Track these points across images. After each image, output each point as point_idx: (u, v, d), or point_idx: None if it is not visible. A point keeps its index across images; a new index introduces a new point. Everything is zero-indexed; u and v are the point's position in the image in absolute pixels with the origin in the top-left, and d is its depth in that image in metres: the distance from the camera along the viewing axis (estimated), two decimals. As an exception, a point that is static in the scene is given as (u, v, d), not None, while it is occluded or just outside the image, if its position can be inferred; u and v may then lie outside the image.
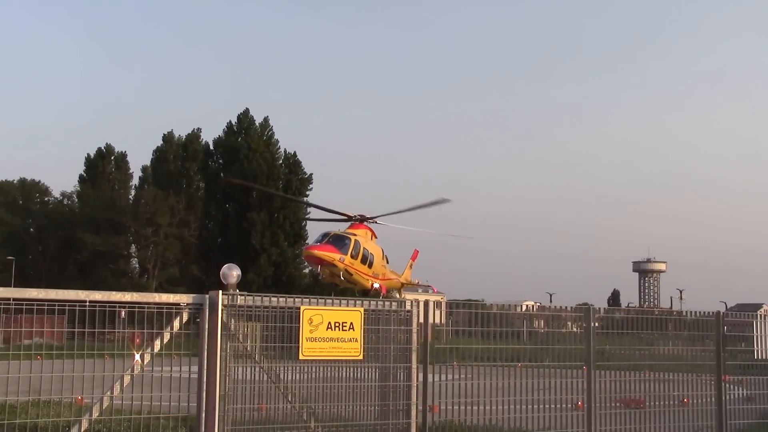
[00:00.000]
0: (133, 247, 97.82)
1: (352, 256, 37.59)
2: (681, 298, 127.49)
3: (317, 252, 36.35)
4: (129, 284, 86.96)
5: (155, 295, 9.74)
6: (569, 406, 12.32)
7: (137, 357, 9.69)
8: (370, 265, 37.62)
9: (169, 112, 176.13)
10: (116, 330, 11.11)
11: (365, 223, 39.18)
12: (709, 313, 14.02)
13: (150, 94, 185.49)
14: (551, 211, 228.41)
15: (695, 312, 14.19)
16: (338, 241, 36.37)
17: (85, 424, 9.36)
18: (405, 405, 10.67)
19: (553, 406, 12.15)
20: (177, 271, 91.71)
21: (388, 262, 42.60)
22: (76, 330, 9.63)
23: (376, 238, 40.35)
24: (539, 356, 12.63)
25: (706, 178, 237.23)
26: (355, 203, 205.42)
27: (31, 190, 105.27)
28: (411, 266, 48.27)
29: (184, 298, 9.77)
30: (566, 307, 14.01)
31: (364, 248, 37.17)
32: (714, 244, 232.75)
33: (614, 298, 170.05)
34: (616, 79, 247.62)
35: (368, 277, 37.53)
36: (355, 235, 37.42)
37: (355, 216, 39.18)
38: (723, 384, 13.63)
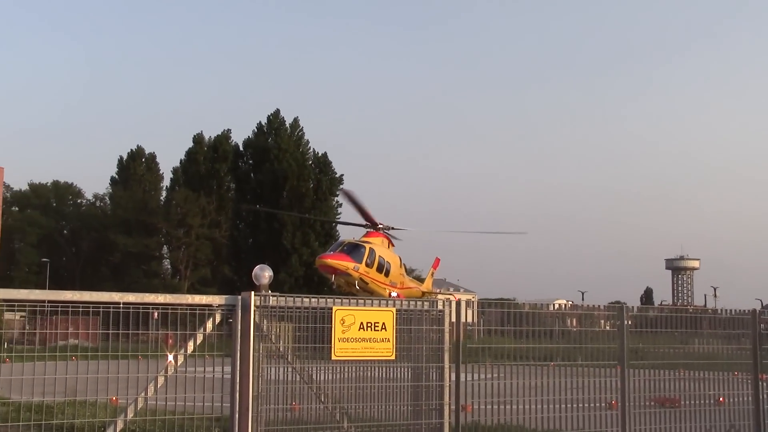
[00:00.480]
0: (165, 249, 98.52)
1: (366, 265, 36.59)
2: (715, 295, 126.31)
3: (330, 261, 35.44)
4: (161, 285, 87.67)
5: (188, 296, 9.78)
6: (603, 405, 12.23)
7: (170, 358, 9.74)
8: (387, 274, 36.78)
9: (197, 114, 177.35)
10: (150, 331, 11.19)
11: (383, 231, 38.51)
12: (744, 311, 13.87)
13: (178, 96, 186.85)
14: (582, 208, 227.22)
15: (731, 310, 14.04)
16: (352, 250, 35.50)
17: (120, 425, 9.42)
18: (438, 405, 10.64)
19: (586, 405, 12.06)
20: (208, 272, 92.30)
21: (406, 271, 41.81)
22: (110, 332, 9.70)
23: (393, 246, 39.68)
24: (572, 355, 12.55)
25: (738, 174, 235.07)
26: (383, 203, 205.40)
27: (64, 192, 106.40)
28: (432, 274, 47.59)
29: (216, 300, 9.80)
30: (599, 306, 13.92)
31: (379, 256, 36.22)
32: (748, 241, 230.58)
33: (647, 296, 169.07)
34: (644, 75, 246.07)
35: (385, 286, 36.78)
36: (369, 243, 36.43)
37: (379, 224, 38.72)
38: (760, 383, 13.47)
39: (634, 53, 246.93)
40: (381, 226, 38.69)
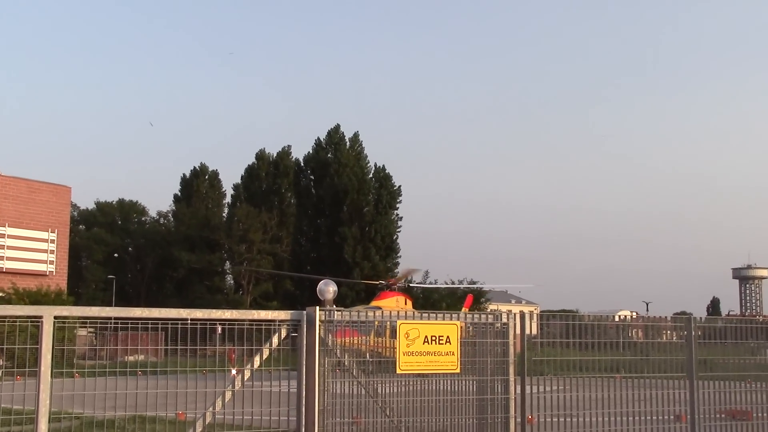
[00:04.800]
0: (227, 264, 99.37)
1: (377, 334, 34.93)
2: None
3: (336, 339, 33.69)
4: (224, 300, 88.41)
5: (254, 312, 9.85)
6: (671, 418, 12.05)
7: (233, 371, 9.83)
8: None
9: (256, 131, 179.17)
10: (216, 347, 11.33)
11: (398, 289, 37.23)
12: (817, 320, 13.54)
13: (237, 114, 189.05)
14: (645, 217, 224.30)
15: (802, 319, 13.72)
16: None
17: (189, 439, 9.53)
18: (503, 418, 10.59)
19: (654, 417, 11.89)
20: (270, 286, 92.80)
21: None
22: (178, 347, 9.82)
23: (411, 300, 38.33)
24: (638, 367, 12.39)
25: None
26: (443, 215, 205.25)
27: (129, 210, 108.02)
28: None
29: (282, 315, 9.86)
30: (665, 317, 13.74)
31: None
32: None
33: (714, 307, 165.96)
34: (715, 89, 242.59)
35: None
36: (380, 309, 35.06)
37: (380, 284, 37.58)
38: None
39: (706, 66, 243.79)
40: (395, 284, 37.66)
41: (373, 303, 36.53)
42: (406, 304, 37.55)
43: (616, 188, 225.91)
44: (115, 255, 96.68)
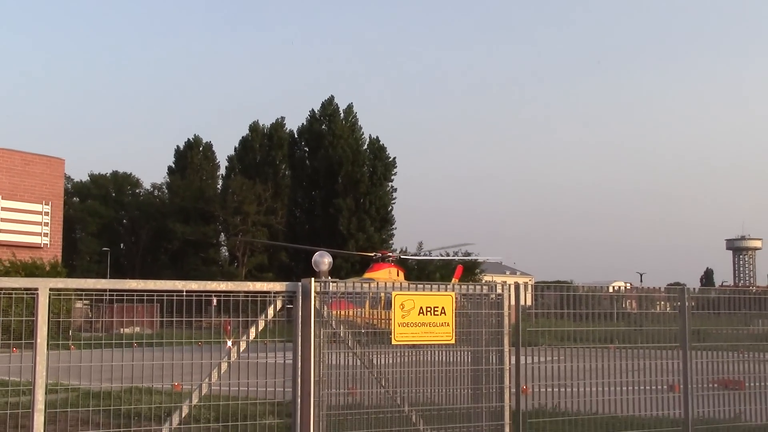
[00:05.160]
0: (222, 236, 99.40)
1: (371, 306, 34.94)
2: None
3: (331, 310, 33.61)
4: (219, 272, 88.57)
5: (249, 283, 9.84)
6: (664, 387, 12.12)
7: (229, 343, 9.85)
8: None
9: (250, 103, 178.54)
10: (212, 318, 11.35)
11: (388, 260, 37.28)
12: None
13: (231, 85, 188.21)
14: (640, 189, 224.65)
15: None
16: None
17: (185, 410, 9.57)
18: (498, 388, 10.62)
19: (647, 387, 11.96)
20: (265, 258, 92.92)
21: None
22: (173, 319, 9.83)
23: (404, 271, 38.37)
24: (632, 337, 12.44)
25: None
26: (438, 187, 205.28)
27: (123, 182, 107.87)
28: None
29: (277, 286, 9.86)
30: (659, 288, 13.76)
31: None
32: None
33: (707, 277, 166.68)
34: (699, 60, 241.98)
35: None
36: (372, 280, 34.98)
37: (375, 255, 37.57)
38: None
39: (707, 40, 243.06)
40: (389, 256, 37.75)
41: (366, 275, 36.60)
42: (398, 275, 37.65)
43: (611, 161, 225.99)
44: (121, 246, 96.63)
